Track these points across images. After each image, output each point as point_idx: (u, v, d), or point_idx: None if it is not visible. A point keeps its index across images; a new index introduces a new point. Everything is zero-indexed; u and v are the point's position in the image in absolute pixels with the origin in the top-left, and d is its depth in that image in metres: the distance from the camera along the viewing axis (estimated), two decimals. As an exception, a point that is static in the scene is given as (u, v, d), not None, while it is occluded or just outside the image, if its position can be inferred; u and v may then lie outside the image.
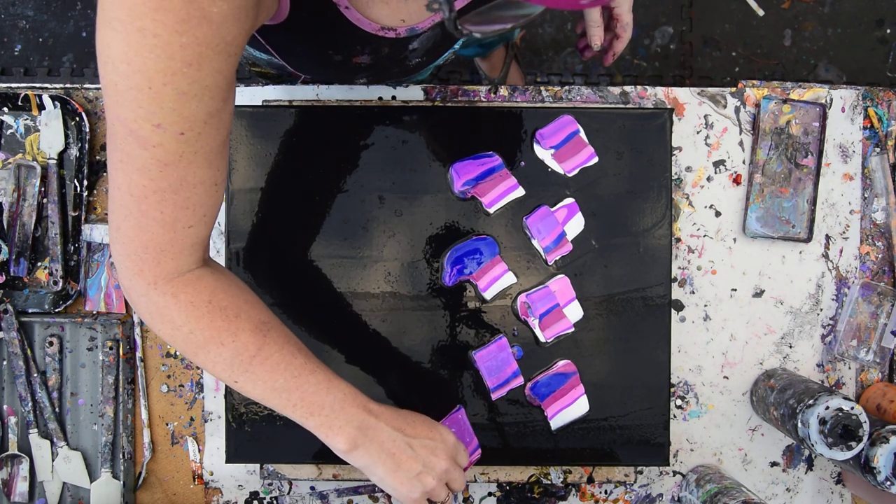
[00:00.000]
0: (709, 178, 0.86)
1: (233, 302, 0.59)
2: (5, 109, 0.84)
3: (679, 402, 0.86)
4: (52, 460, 0.83)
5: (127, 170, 0.51)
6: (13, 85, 0.84)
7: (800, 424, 0.73)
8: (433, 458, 0.63)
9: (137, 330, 0.85)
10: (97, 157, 0.86)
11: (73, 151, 0.84)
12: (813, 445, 0.72)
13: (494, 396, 0.79)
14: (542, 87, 0.87)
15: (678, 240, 0.86)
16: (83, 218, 0.84)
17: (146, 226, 0.53)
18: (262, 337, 0.59)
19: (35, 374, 0.83)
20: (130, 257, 0.55)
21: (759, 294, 0.86)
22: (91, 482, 0.83)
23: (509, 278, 0.80)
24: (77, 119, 0.83)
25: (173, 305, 0.57)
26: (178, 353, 0.85)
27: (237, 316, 0.58)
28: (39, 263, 0.85)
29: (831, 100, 0.87)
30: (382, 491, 0.85)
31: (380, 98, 0.85)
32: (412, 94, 0.85)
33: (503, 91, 0.86)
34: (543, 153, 0.81)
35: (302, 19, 0.58)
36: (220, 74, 0.48)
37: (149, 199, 0.51)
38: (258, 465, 0.84)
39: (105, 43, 0.46)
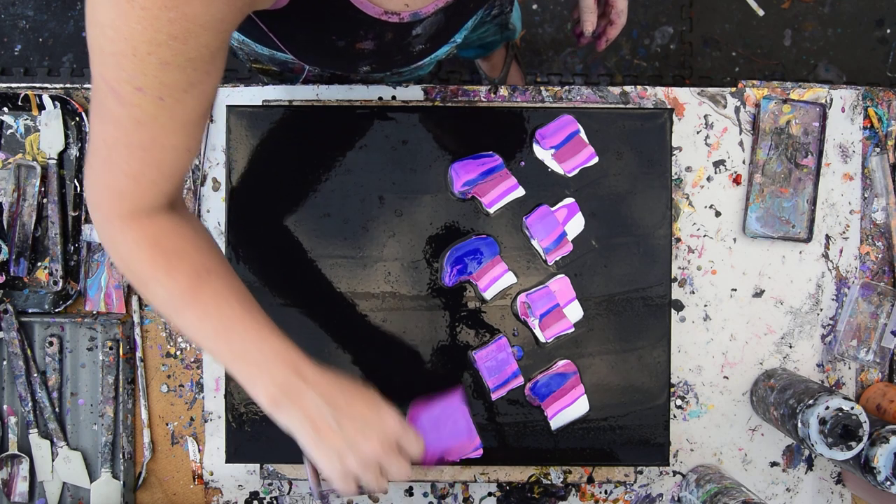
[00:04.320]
0: (709, 178, 0.86)
1: (179, 245, 0.59)
2: (5, 109, 0.84)
3: (679, 402, 0.86)
4: (52, 460, 0.83)
5: (104, 120, 0.52)
6: (13, 85, 0.84)
7: (800, 424, 0.73)
8: (360, 438, 0.57)
9: (137, 330, 0.85)
10: (97, 157, 0.86)
11: (73, 151, 0.84)
12: (813, 445, 0.72)
13: (494, 396, 0.79)
14: (542, 87, 0.87)
15: (678, 240, 0.86)
16: (83, 218, 0.84)
17: (111, 171, 0.55)
18: (198, 282, 0.58)
19: (35, 374, 0.83)
20: (94, 189, 0.57)
21: (759, 294, 0.86)
22: (91, 482, 0.83)
23: (509, 278, 0.80)
24: (77, 119, 0.83)
25: (121, 241, 0.58)
26: (178, 354, 0.85)
27: (179, 259, 0.59)
28: (39, 263, 0.85)
29: (831, 100, 0.87)
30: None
31: (380, 98, 0.85)
32: (412, 94, 0.85)
33: (503, 91, 0.86)
34: (543, 153, 0.81)
35: (303, 4, 0.58)
36: (206, 49, 0.49)
37: (119, 150, 0.53)
38: (258, 465, 0.84)
39: (95, 8, 0.47)
